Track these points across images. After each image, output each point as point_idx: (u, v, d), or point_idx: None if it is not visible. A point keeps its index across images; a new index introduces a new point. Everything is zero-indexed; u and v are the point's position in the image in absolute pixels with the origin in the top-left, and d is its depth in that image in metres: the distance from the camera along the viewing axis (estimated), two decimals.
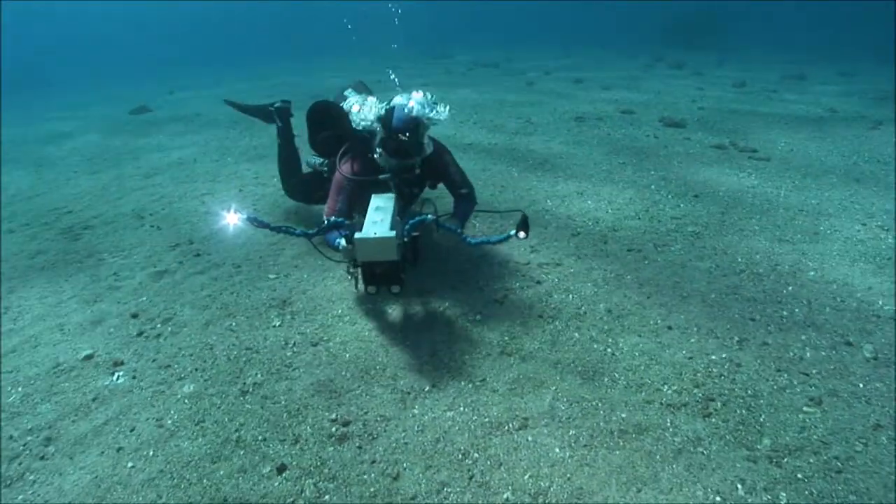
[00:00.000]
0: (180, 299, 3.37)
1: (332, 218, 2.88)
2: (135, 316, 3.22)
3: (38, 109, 13.18)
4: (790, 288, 3.20)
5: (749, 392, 2.38)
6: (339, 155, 3.33)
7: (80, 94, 16.04)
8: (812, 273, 3.37)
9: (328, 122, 3.44)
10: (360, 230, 2.67)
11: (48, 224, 4.86)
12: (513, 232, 2.64)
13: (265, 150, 6.84)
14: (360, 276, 2.85)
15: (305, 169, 4.20)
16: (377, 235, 2.55)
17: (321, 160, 3.82)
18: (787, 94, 10.20)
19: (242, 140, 7.66)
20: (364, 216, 2.85)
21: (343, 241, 2.73)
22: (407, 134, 2.95)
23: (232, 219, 2.70)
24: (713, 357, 2.61)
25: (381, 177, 3.09)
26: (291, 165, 4.26)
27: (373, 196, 3.03)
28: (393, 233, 2.56)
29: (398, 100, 3.14)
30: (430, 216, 2.72)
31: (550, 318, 2.94)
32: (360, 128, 3.30)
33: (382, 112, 3.08)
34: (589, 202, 4.55)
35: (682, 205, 4.48)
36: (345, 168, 3.19)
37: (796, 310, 2.99)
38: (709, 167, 5.51)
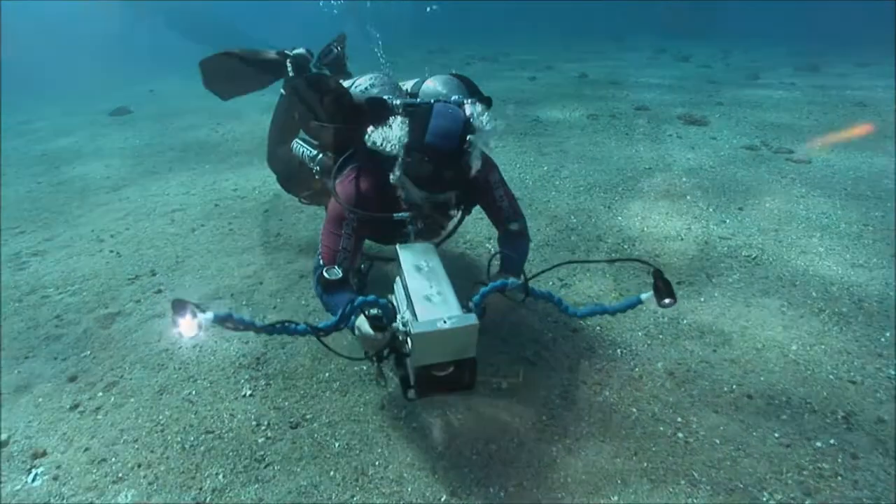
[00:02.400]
0: (131, 354, 2.73)
1: (335, 273, 1.90)
2: (72, 379, 2.58)
3: (15, 110, 12.41)
4: (888, 335, 2.58)
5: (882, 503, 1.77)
6: (338, 162, 2.25)
7: (56, 90, 15.22)
8: None
9: (323, 107, 2.28)
10: (408, 310, 1.69)
11: None
12: (645, 296, 1.70)
13: (247, 156, 6.18)
14: (379, 365, 1.92)
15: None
16: (450, 326, 1.53)
17: (313, 152, 2.79)
18: (805, 87, 9.58)
19: (223, 145, 6.99)
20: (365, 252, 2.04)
21: (367, 327, 1.66)
22: (451, 155, 1.86)
23: (188, 329, 1.42)
24: (818, 444, 1.99)
25: (398, 216, 2.03)
26: (285, 132, 3.24)
27: (400, 250, 1.94)
28: (473, 317, 1.59)
29: (431, 85, 2.12)
30: (511, 280, 1.82)
31: (597, 384, 2.31)
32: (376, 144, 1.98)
33: (400, 107, 2.00)
34: (619, 218, 3.91)
35: (728, 220, 3.85)
36: (344, 189, 2.09)
37: None
38: (745, 171, 4.89)
